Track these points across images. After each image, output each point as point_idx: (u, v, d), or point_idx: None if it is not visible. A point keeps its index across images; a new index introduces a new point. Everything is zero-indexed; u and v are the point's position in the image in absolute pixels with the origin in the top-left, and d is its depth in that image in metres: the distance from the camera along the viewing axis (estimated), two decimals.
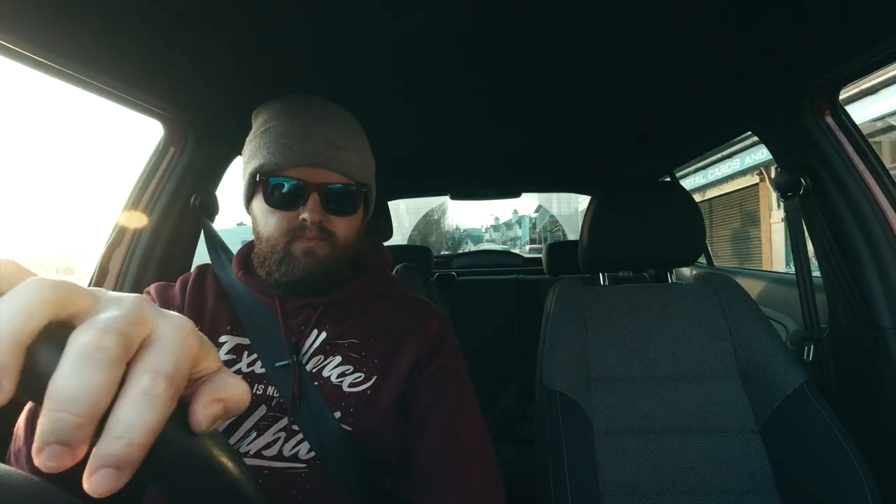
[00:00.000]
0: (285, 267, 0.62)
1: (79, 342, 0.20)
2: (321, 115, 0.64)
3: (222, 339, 0.64)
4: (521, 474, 0.95)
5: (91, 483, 0.20)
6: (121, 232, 1.02)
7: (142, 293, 0.98)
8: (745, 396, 0.93)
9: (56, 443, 0.19)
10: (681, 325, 1.02)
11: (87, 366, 0.20)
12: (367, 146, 0.69)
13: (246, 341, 0.64)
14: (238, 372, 0.62)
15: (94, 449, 0.20)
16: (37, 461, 0.19)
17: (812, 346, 1.02)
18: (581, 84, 1.04)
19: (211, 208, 1.09)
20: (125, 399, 0.21)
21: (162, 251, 1.04)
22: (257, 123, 0.66)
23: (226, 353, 0.63)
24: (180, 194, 1.04)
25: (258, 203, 0.64)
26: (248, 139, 0.67)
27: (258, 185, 0.63)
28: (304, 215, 0.60)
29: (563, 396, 0.91)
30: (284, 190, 0.61)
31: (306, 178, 0.61)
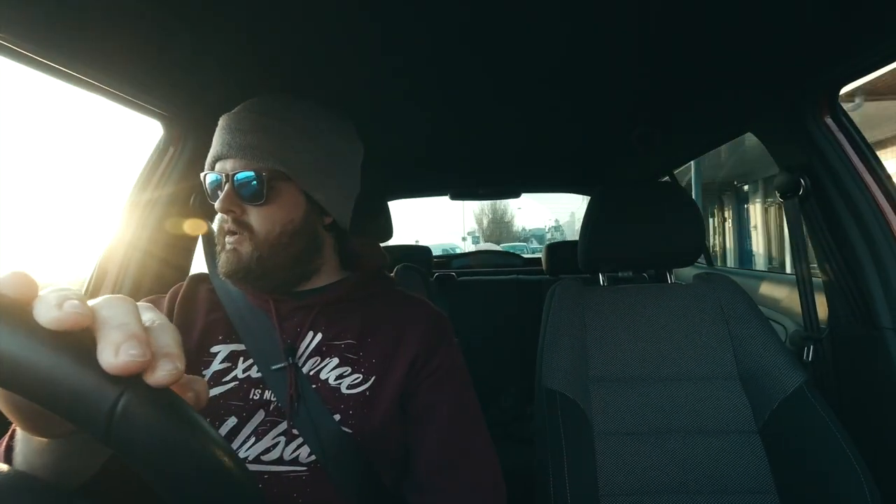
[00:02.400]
0: (221, 262, 0.63)
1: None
2: (248, 108, 0.64)
3: (215, 348, 0.63)
4: (520, 474, 0.95)
5: (157, 374, 0.24)
6: (120, 232, 1.02)
7: (140, 294, 0.98)
8: (744, 397, 0.93)
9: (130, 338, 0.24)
10: (680, 325, 1.02)
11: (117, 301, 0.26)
12: (299, 134, 0.64)
13: (241, 347, 0.63)
14: (233, 378, 0.61)
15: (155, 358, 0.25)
16: (118, 357, 0.23)
17: (811, 347, 1.02)
18: (581, 84, 1.04)
19: (210, 209, 1.09)
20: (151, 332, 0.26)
21: (161, 252, 1.03)
22: None
23: (220, 362, 0.62)
24: (179, 194, 1.04)
25: None
26: None
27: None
28: (217, 205, 0.61)
29: (563, 396, 0.91)
30: (208, 184, 0.64)
31: (221, 169, 0.62)
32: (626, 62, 0.92)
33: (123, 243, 1.01)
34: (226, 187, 0.61)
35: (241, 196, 0.61)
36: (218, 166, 0.63)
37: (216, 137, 0.64)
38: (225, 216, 0.61)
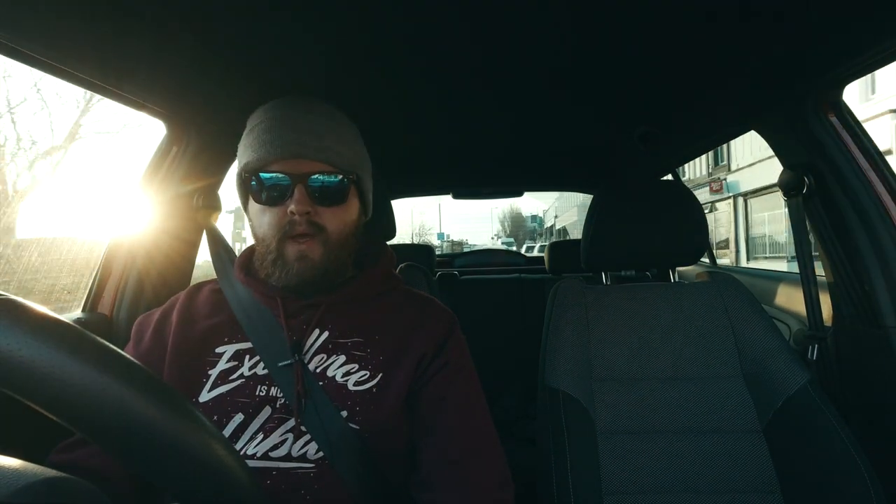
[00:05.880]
0: (279, 270, 0.61)
1: None
2: (303, 109, 0.63)
3: (220, 349, 0.64)
4: (523, 473, 0.95)
5: None
6: (123, 231, 1.02)
7: (143, 295, 0.99)
8: (748, 396, 0.93)
9: None
10: (684, 324, 1.01)
11: None
12: (354, 138, 0.67)
13: (247, 345, 0.64)
14: (240, 376, 0.62)
15: None
16: None
17: (815, 346, 1.02)
18: (583, 83, 1.03)
19: (214, 207, 1.09)
20: None
21: (164, 251, 1.04)
22: (247, 126, 0.66)
23: (226, 361, 0.63)
24: (183, 193, 1.04)
25: (251, 203, 0.64)
26: (239, 143, 0.66)
27: (246, 184, 0.63)
28: (292, 207, 0.59)
29: (566, 395, 0.91)
30: (270, 184, 0.61)
31: (290, 170, 0.60)
32: (629, 61, 0.91)
33: (127, 243, 1.02)
34: (298, 188, 0.59)
35: (316, 197, 0.61)
36: (280, 166, 0.60)
37: (268, 136, 0.60)
38: (297, 219, 0.60)
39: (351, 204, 0.65)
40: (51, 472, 0.26)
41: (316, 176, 0.60)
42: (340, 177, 0.62)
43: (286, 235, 0.61)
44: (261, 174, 0.61)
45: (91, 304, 1.00)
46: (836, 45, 0.82)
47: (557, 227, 35.16)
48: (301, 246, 0.60)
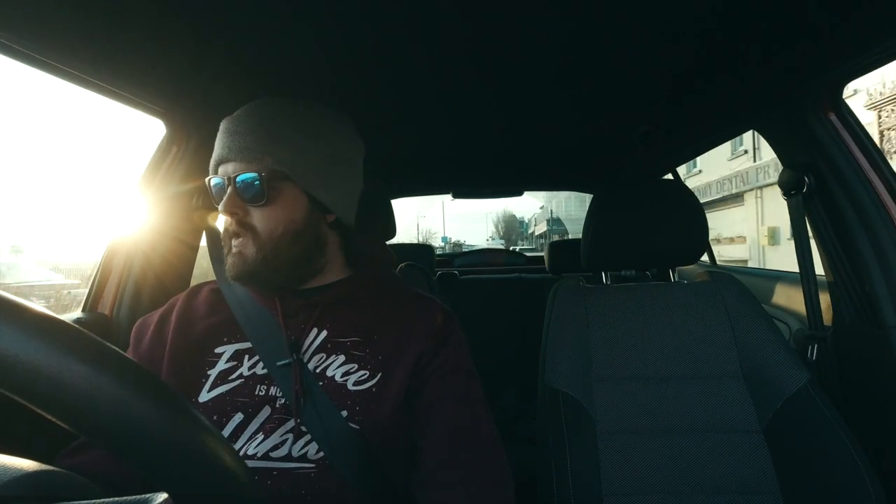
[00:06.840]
0: (227, 266, 0.63)
1: None
2: (249, 111, 0.64)
3: (219, 349, 0.64)
4: (522, 474, 0.95)
5: None
6: (122, 232, 1.02)
7: (143, 295, 0.99)
8: (748, 396, 0.93)
9: None
10: (684, 324, 1.01)
11: None
12: (298, 131, 0.64)
13: (246, 345, 0.64)
14: (239, 376, 0.62)
15: None
16: None
17: (815, 346, 1.02)
18: (584, 82, 1.03)
19: (213, 208, 1.09)
20: None
21: (164, 252, 1.04)
22: None
23: (226, 361, 0.63)
24: (183, 194, 1.04)
25: None
26: None
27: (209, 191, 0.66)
28: (220, 208, 0.61)
29: (566, 395, 0.91)
30: (213, 187, 0.64)
31: (226, 172, 0.62)
32: (629, 60, 0.91)
33: (126, 243, 1.02)
34: (228, 190, 0.61)
35: (244, 198, 0.61)
36: (220, 169, 0.63)
37: (217, 141, 0.64)
38: (229, 219, 0.62)
39: (282, 203, 0.62)
40: (36, 465, 0.26)
41: (240, 176, 0.61)
42: (259, 175, 0.60)
43: (227, 235, 0.63)
44: (211, 180, 0.64)
45: (91, 304, 1.00)
46: (836, 45, 0.82)
47: (537, 233, 41.05)
48: (236, 241, 0.62)
